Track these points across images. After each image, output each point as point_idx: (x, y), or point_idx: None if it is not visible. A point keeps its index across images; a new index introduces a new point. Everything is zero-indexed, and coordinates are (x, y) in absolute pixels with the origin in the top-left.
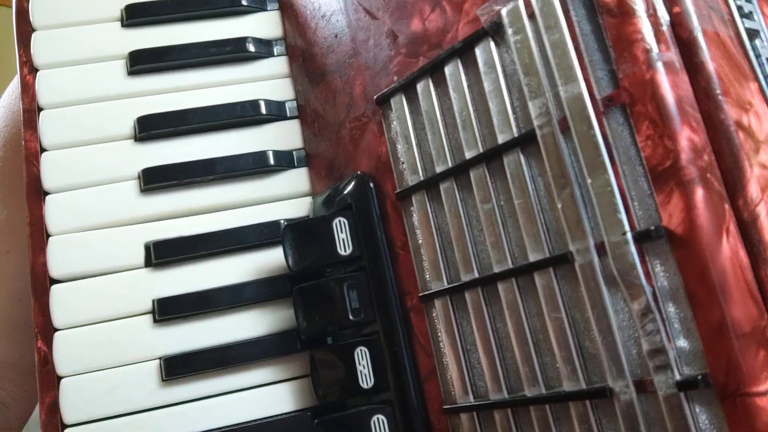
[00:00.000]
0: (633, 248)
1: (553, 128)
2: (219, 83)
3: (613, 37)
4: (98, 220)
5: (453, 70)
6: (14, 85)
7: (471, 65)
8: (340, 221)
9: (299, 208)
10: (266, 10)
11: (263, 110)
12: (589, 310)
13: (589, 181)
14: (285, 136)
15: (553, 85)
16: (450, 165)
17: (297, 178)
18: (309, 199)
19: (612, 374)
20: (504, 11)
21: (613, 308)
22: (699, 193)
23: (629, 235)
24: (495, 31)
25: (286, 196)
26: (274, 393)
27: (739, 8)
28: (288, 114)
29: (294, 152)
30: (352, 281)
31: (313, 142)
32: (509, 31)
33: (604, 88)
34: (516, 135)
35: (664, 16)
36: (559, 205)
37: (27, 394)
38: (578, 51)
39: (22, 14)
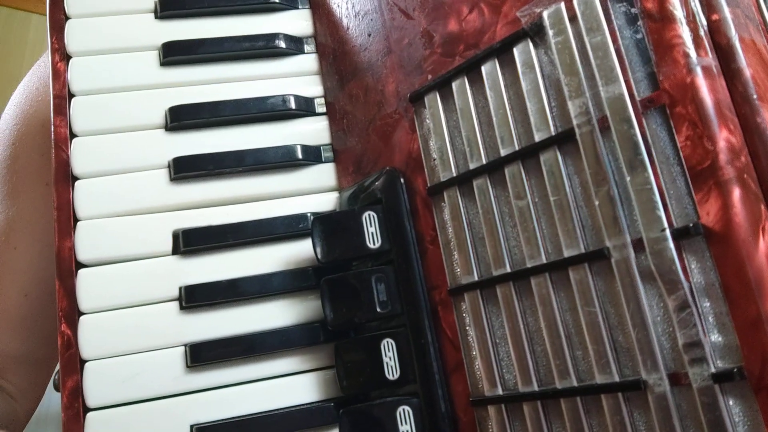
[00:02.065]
0: (672, 244)
1: (592, 127)
2: (249, 77)
3: (654, 41)
4: (127, 206)
5: (490, 70)
6: (25, 85)
7: (508, 65)
8: (369, 215)
9: (325, 203)
10: (297, 8)
11: (293, 105)
12: (623, 305)
13: (628, 179)
14: (313, 131)
15: (594, 86)
16: (484, 162)
17: (324, 173)
18: (335, 194)
19: (646, 367)
20: (546, 14)
21: (648, 303)
22: (736, 193)
23: (668, 232)
24: (535, 32)
25: (312, 190)
26: (297, 383)
27: None
28: (316, 110)
29: (321, 148)
30: (381, 274)
31: (340, 138)
32: (550, 32)
33: (643, 90)
34: (553, 133)
35: (702, 23)
36: (597, 203)
37: (33, 388)
38: (618, 53)
39: (56, 3)
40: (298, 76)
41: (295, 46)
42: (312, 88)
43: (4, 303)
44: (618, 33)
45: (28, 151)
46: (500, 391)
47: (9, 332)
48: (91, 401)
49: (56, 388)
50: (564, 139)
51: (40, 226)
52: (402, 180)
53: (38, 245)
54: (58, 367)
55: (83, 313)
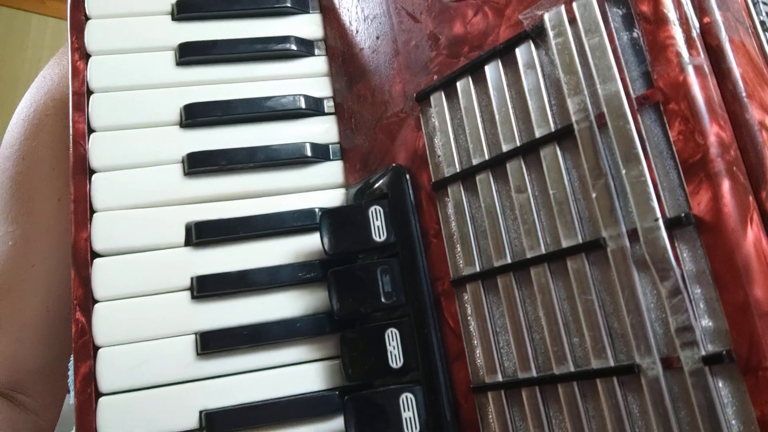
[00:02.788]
0: (664, 233)
1: (590, 123)
2: (261, 78)
3: (649, 41)
4: (142, 199)
5: (494, 70)
6: (32, 98)
7: (510, 65)
8: (376, 209)
9: (333, 199)
10: (308, 12)
11: (303, 105)
12: (619, 293)
13: (623, 172)
14: (322, 130)
15: (592, 84)
16: (487, 157)
17: (332, 170)
18: (342, 190)
19: (640, 352)
20: (547, 16)
21: (642, 290)
22: (726, 185)
23: (661, 222)
24: (537, 34)
25: (321, 187)
26: (304, 372)
27: (762, 23)
28: (325, 110)
29: (330, 146)
30: (386, 266)
31: (348, 137)
32: (551, 34)
33: (638, 88)
34: (553, 130)
35: (695, 25)
36: (594, 195)
37: (54, 401)
38: (615, 53)
39: (77, 4)
40: (309, 78)
41: (305, 48)
42: (321, 88)
43: (26, 319)
44: (615, 34)
45: (40, 165)
46: (500, 378)
47: (32, 348)
48: (103, 386)
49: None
50: (563, 135)
51: (55, 241)
52: (407, 176)
53: (54, 260)
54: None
55: (98, 301)
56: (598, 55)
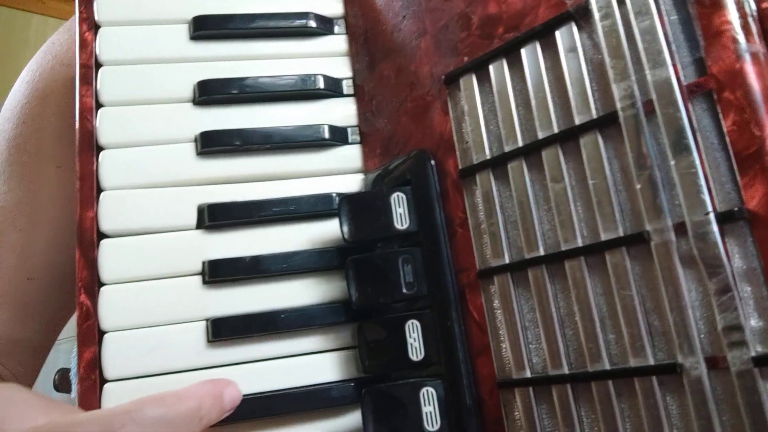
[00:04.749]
0: (716, 228)
1: (637, 111)
2: (278, 56)
3: (703, 26)
4: (152, 178)
5: (531, 53)
6: (38, 62)
7: (549, 48)
8: (398, 196)
9: (350, 184)
10: None
11: (321, 85)
12: (661, 289)
13: (672, 162)
14: (340, 112)
15: (640, 70)
16: (520, 144)
17: (350, 154)
18: (360, 175)
19: (682, 351)
20: None
21: (687, 287)
22: None
23: (712, 215)
24: (581, 15)
25: (338, 171)
26: (317, 362)
27: None
28: (344, 91)
29: (348, 129)
30: (408, 255)
31: (368, 120)
32: (597, 15)
33: (689, 75)
34: (595, 117)
35: (752, 10)
36: (638, 186)
37: (26, 374)
38: (666, 37)
39: None
40: (327, 57)
41: (325, 26)
42: (340, 69)
43: (6, 285)
44: (665, 17)
45: (41, 131)
46: (528, 374)
47: (9, 315)
48: (109, 373)
49: (56, 388)
50: (606, 123)
51: (49, 209)
52: (432, 162)
53: (45, 229)
54: (56, 367)
55: (104, 284)
56: (649, 39)
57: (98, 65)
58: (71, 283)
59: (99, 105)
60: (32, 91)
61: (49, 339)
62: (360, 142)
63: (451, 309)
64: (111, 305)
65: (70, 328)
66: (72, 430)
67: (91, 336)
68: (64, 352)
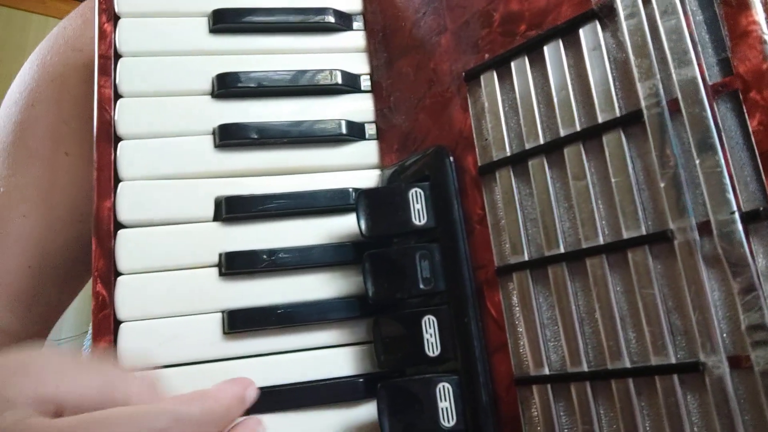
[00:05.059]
0: (740, 227)
1: (662, 109)
2: (297, 50)
3: (730, 26)
4: (170, 170)
5: (553, 50)
6: (49, 46)
7: (572, 46)
8: (416, 191)
9: (367, 180)
10: None
11: (340, 80)
12: (684, 288)
13: (697, 161)
14: (357, 108)
15: (665, 69)
16: (541, 142)
17: (367, 150)
18: (377, 171)
19: (705, 349)
20: None
21: (710, 286)
22: None
23: (737, 215)
24: (606, 14)
25: (355, 166)
26: (332, 356)
27: None
28: (362, 87)
29: (365, 125)
30: (425, 251)
31: (385, 116)
32: (622, 14)
33: (715, 74)
34: (618, 115)
35: None
36: (662, 185)
37: None
38: (692, 37)
39: None
40: (345, 53)
41: (343, 22)
42: (358, 64)
43: (5, 273)
44: (691, 17)
45: (50, 115)
46: (547, 372)
47: (5, 303)
48: (124, 363)
49: None
50: (629, 121)
51: (54, 196)
52: (451, 158)
53: (49, 216)
54: None
55: (121, 274)
56: (675, 39)
57: (117, 56)
58: (64, 274)
59: (117, 96)
60: (42, 74)
61: (44, 332)
62: (377, 138)
63: (468, 305)
64: (128, 295)
65: (71, 327)
66: (108, 429)
67: (107, 326)
68: None
